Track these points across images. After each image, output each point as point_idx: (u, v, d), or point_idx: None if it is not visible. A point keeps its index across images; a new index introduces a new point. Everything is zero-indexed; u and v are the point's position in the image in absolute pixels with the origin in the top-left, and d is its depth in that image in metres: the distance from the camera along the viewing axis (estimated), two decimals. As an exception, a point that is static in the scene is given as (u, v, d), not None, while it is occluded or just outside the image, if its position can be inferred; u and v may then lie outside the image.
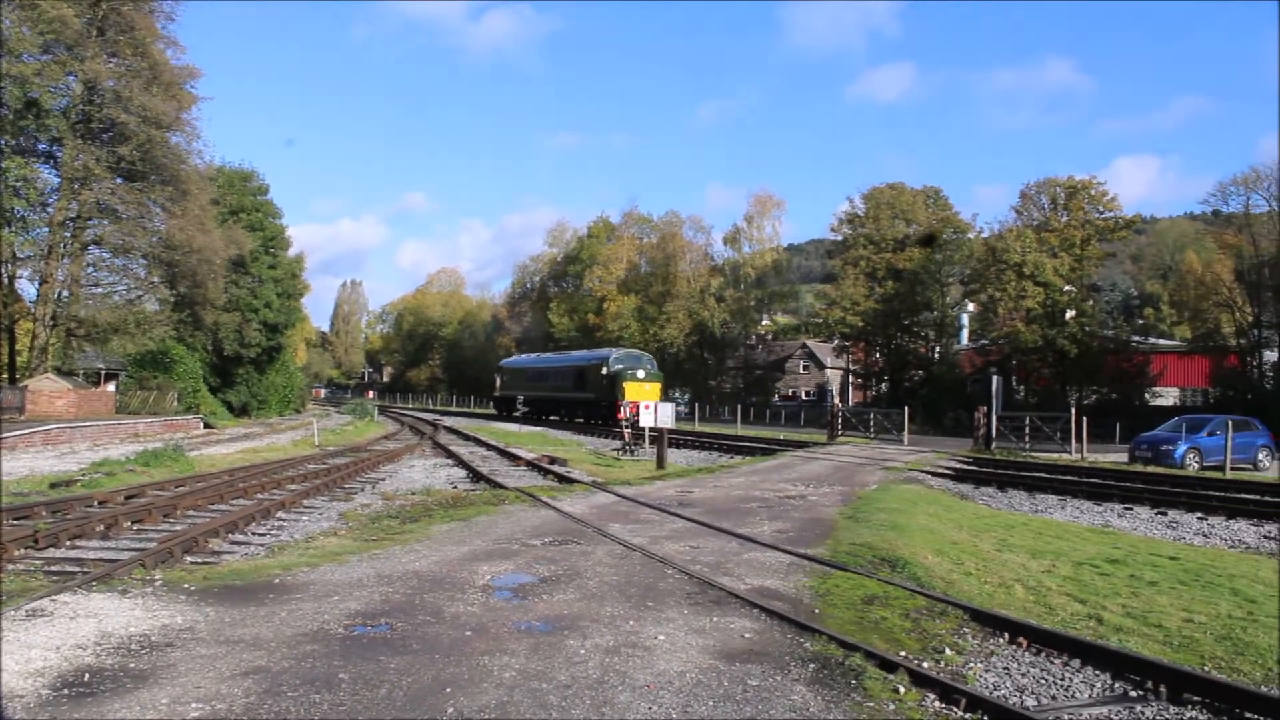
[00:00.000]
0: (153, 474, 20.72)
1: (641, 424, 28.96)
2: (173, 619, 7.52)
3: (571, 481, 20.43)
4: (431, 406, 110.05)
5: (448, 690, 5.85)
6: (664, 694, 5.89)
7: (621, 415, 43.99)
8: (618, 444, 33.87)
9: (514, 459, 27.72)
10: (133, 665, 6.27)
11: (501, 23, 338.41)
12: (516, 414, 63.82)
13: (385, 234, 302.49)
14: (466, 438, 40.99)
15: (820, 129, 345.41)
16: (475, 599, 8.44)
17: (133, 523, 13.66)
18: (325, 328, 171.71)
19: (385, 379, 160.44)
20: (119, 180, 37.42)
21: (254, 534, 13.52)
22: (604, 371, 50.32)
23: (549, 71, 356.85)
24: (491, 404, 78.75)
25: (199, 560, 11.07)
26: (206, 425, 44.73)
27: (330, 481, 20.28)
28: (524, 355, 74.97)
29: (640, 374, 49.02)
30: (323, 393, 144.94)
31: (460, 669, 6.31)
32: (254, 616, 7.66)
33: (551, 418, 59.29)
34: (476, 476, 22.65)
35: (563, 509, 14.82)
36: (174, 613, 7.72)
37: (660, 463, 24.79)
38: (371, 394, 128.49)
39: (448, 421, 58.80)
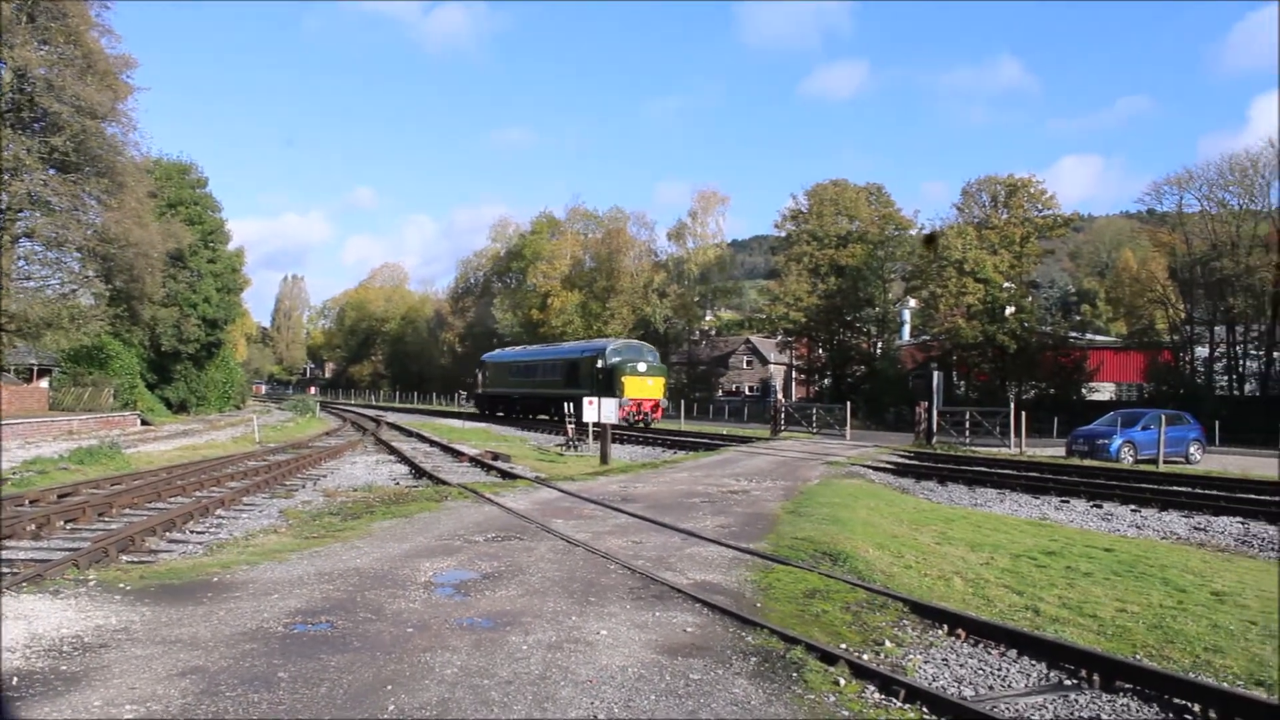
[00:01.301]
0: (87, 472, 20.34)
1: (585, 420, 28.85)
2: (107, 619, 7.39)
3: (514, 477, 20.36)
4: (374, 402, 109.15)
5: (389, 688, 5.82)
6: (606, 689, 5.90)
7: (621, 414, 40.43)
8: (561, 440, 33.81)
9: (457, 455, 27.58)
10: (64, 667, 6.15)
11: (454, 17, 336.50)
12: (500, 413, 59.06)
13: (331, 229, 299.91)
14: (409, 434, 40.74)
15: (773, 126, 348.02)
16: (417, 596, 8.39)
17: (66, 522, 13.39)
18: (266, 323, 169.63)
19: (327, 375, 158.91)
20: (51, 171, 36.49)
21: (192, 532, 13.31)
22: (600, 364, 45.28)
23: (502, 67, 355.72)
24: (472, 402, 73.23)
25: (135, 559, 10.88)
26: (144, 422, 44.01)
27: (271, 479, 20.00)
28: (509, 349, 68.48)
29: (641, 367, 45.03)
30: (263, 389, 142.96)
31: (402, 666, 6.28)
32: (191, 616, 7.55)
33: (540, 417, 52.78)
34: (419, 473, 22.49)
35: (506, 505, 14.77)
36: (108, 613, 7.59)
37: (604, 458, 24.79)
38: (313, 390, 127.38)
39: (391, 417, 58.39)
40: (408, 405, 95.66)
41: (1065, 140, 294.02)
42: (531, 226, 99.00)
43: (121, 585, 8.65)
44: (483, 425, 49.13)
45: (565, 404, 36.51)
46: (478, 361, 70.09)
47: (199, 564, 10.04)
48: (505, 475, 21.20)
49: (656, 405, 45.18)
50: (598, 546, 10.93)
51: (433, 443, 33.92)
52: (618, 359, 45.22)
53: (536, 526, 12.53)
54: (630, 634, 7.22)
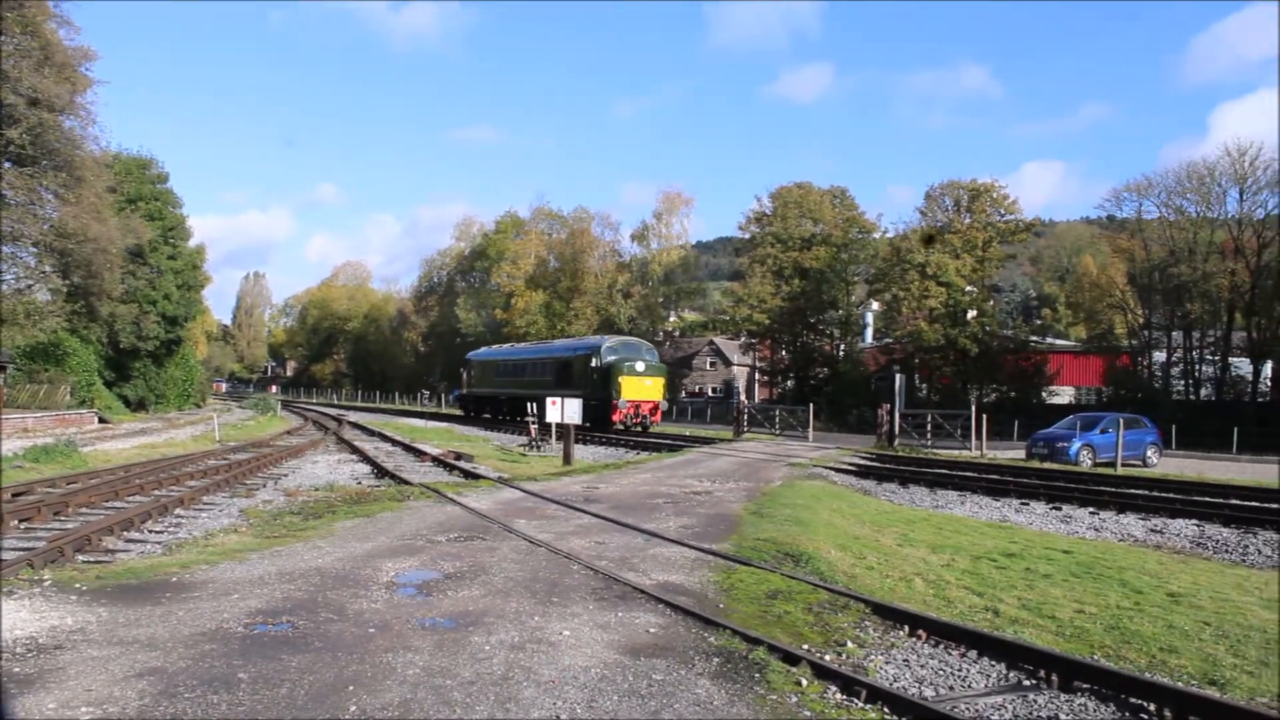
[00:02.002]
0: (43, 470, 20.07)
1: (548, 420, 28.74)
2: (62, 620, 7.28)
3: (477, 477, 20.30)
4: (336, 401, 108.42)
5: (350, 688, 5.77)
6: (569, 689, 5.89)
7: (618, 416, 39.89)
8: (524, 440, 33.73)
9: (419, 455, 27.47)
10: (17, 669, 6.05)
11: (422, 14, 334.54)
12: (486, 415, 56.14)
13: (294, 227, 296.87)
14: (371, 433, 40.54)
15: (738, 128, 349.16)
16: (379, 596, 8.34)
17: (20, 521, 13.19)
18: (227, 321, 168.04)
19: (289, 373, 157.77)
20: (7, 164, 35.97)
21: (150, 532, 13.16)
22: (594, 364, 42.19)
23: (469, 64, 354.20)
24: (457, 404, 69.41)
25: (91, 559, 10.74)
26: (101, 420, 43.42)
27: (231, 478, 19.84)
28: (497, 347, 64.85)
29: (639, 366, 41.78)
30: (224, 387, 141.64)
31: (363, 667, 6.23)
32: (149, 616, 7.46)
33: (527, 419, 47.73)
34: (381, 472, 22.36)
35: (468, 505, 14.72)
36: (64, 614, 7.48)
37: (567, 459, 24.76)
38: (274, 389, 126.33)
39: (353, 417, 58.06)
40: (370, 404, 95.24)
41: (1028, 145, 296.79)
42: (496, 226, 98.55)
43: (78, 585, 8.53)
44: (445, 425, 48.90)
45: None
46: (462, 360, 66.97)
47: (157, 564, 9.92)
48: (468, 475, 21.13)
49: (655, 407, 42.07)
50: (560, 547, 10.91)
51: (395, 442, 33.77)
52: (614, 357, 42.16)
53: (499, 527, 12.49)
54: (593, 634, 7.21)
